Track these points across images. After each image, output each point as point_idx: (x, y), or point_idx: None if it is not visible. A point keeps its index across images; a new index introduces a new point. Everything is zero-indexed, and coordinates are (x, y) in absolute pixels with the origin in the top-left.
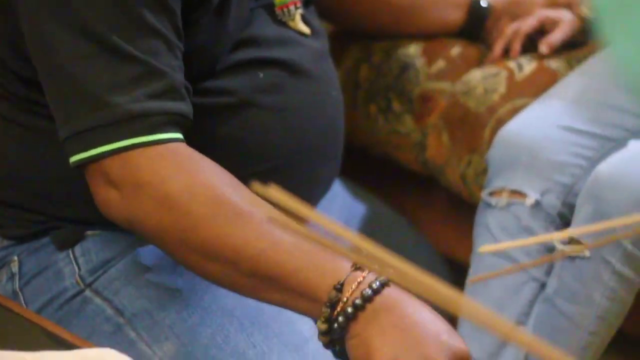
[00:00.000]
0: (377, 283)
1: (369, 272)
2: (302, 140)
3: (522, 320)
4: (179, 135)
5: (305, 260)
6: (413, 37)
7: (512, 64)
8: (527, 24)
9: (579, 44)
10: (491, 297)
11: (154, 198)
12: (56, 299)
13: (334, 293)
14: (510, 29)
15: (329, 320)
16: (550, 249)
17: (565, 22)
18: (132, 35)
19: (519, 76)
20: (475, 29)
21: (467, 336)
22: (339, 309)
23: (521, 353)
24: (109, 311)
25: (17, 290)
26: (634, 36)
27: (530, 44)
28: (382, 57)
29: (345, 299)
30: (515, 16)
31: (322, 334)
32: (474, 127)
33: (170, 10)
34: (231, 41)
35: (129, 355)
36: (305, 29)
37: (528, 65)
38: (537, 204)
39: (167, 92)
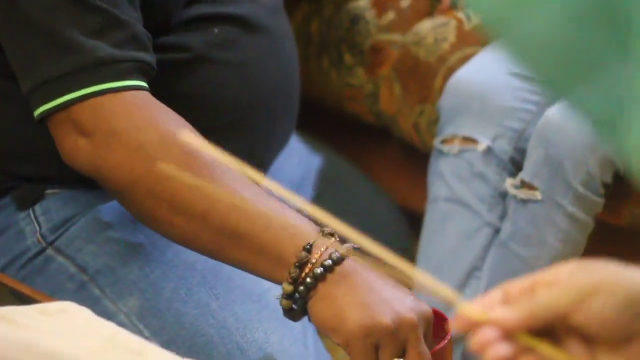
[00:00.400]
0: (345, 248)
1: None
2: (258, 94)
3: (477, 265)
4: (146, 85)
5: (275, 220)
6: None
7: (461, 14)
8: None
9: None
10: (446, 243)
11: (128, 146)
12: (18, 258)
13: (303, 254)
14: None
15: (296, 282)
16: (503, 194)
17: None
18: None
19: (468, 25)
20: None
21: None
22: (307, 270)
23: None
24: (72, 269)
25: None
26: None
27: None
28: (333, 10)
29: (314, 261)
30: None
31: (286, 296)
32: (425, 77)
33: None
34: None
35: (94, 312)
36: None
37: (477, 15)
38: (488, 150)
39: (131, 41)
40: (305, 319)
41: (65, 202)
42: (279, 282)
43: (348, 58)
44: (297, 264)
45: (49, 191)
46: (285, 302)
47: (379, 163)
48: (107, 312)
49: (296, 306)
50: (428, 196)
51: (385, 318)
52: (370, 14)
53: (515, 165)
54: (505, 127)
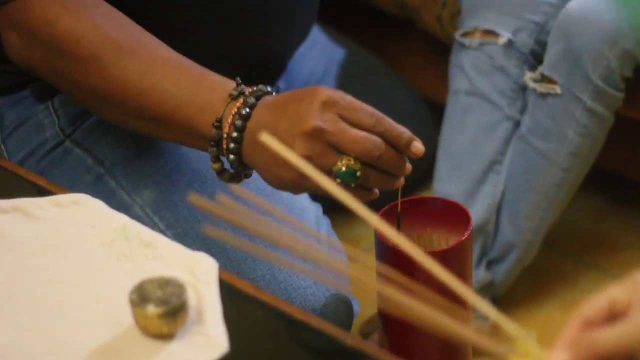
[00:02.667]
0: (247, 109)
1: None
2: None
3: (497, 159)
4: None
5: (183, 98)
6: None
7: None
8: None
9: None
10: (468, 137)
11: (44, 42)
12: (37, 150)
13: (214, 131)
14: None
15: (220, 159)
16: (523, 87)
17: None
18: None
19: None
20: None
21: (444, 177)
22: (224, 145)
23: (498, 191)
24: (90, 161)
25: (0, 142)
26: None
27: None
28: None
29: (225, 135)
30: None
31: (218, 173)
32: None
33: None
34: None
35: (110, 204)
36: None
37: None
38: (509, 43)
39: None
40: None
41: None
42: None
43: None
44: (212, 143)
45: None
46: (221, 177)
47: (402, 55)
48: (123, 204)
49: (233, 169)
50: (449, 89)
51: (298, 149)
52: None
53: (536, 59)
54: (526, 20)
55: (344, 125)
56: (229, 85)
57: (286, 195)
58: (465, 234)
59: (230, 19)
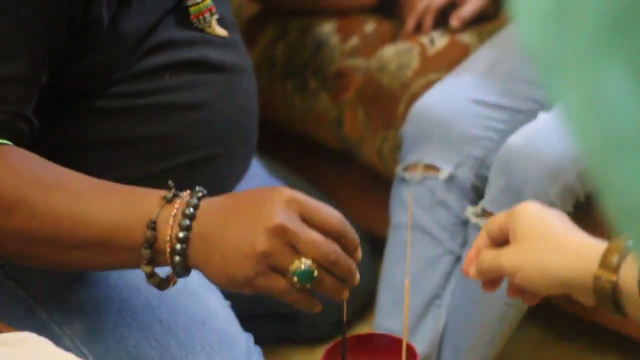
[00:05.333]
0: (191, 209)
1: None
2: (213, 133)
3: (438, 293)
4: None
5: (117, 213)
6: (328, 14)
7: (424, 39)
8: None
9: (490, 17)
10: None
11: None
12: None
13: (149, 232)
14: (422, 4)
15: (152, 261)
16: (464, 222)
17: None
18: None
19: (432, 51)
20: (389, 5)
21: (386, 311)
22: (168, 247)
23: (440, 325)
24: (21, 293)
25: None
26: (537, 11)
27: (442, 19)
28: (298, 35)
29: (169, 237)
30: None
31: (148, 276)
32: (388, 103)
33: (37, 35)
34: (133, 52)
35: (41, 336)
36: (222, 32)
37: (440, 40)
38: (450, 178)
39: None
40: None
41: None
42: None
43: (312, 83)
44: (146, 246)
45: None
46: (151, 280)
47: (343, 188)
48: (53, 336)
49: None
50: (390, 222)
51: (257, 246)
52: (334, 39)
53: (476, 193)
54: (467, 154)
55: (306, 229)
56: (161, 192)
57: (216, 324)
58: None
59: (171, 170)
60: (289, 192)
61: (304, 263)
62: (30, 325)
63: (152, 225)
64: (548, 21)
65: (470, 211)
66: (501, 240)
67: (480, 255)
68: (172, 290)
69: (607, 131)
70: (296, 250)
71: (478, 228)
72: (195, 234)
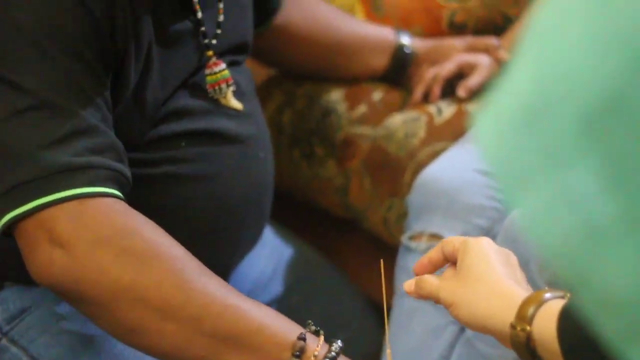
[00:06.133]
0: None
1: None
2: (225, 206)
3: (446, 358)
4: (121, 194)
5: (268, 317)
6: (336, 81)
7: (431, 109)
8: (446, 68)
9: None
10: (413, 339)
11: (115, 253)
12: None
13: (299, 344)
14: (429, 73)
15: None
16: None
17: (483, 66)
18: (71, 97)
19: (439, 120)
20: (398, 75)
21: None
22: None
23: None
24: (25, 359)
25: None
26: (503, 118)
27: (449, 89)
28: (305, 102)
29: (316, 353)
30: (435, 61)
31: None
32: (394, 172)
33: (103, 84)
34: (150, 121)
35: None
36: (237, 105)
37: (447, 110)
38: None
39: (108, 150)
40: None
41: (23, 292)
42: None
43: (319, 150)
44: (295, 354)
45: (7, 282)
46: None
47: (349, 256)
48: None
49: None
50: (395, 291)
51: None
52: (342, 107)
53: None
54: (473, 224)
55: None
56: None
57: None
58: None
59: (183, 240)
60: None
61: None
62: None
63: (303, 337)
64: (515, 131)
65: None
66: (452, 261)
67: (423, 279)
68: None
69: (583, 227)
70: None
71: None
72: None
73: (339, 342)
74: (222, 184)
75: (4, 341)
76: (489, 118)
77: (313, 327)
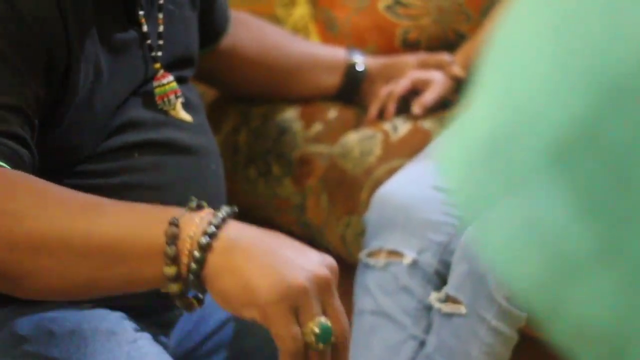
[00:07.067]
0: (220, 217)
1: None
2: None
3: None
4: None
5: (136, 216)
6: (291, 101)
7: (387, 126)
8: (400, 85)
9: (451, 103)
10: (372, 356)
11: None
12: None
13: (172, 228)
14: (384, 91)
15: (176, 261)
16: (428, 307)
17: (436, 82)
18: None
19: (394, 137)
20: (351, 93)
21: None
22: (188, 245)
23: None
24: None
25: None
26: (466, 147)
27: (404, 105)
28: (261, 121)
29: (191, 233)
30: (389, 78)
31: (172, 279)
32: (351, 189)
33: (25, 84)
34: (101, 130)
35: None
36: (186, 117)
37: (403, 126)
38: (414, 263)
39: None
40: None
41: None
42: (165, 277)
43: (276, 169)
44: (169, 242)
45: None
46: (173, 286)
47: None
48: None
49: (191, 291)
50: (354, 309)
51: (298, 278)
52: (297, 125)
53: (440, 278)
54: (430, 240)
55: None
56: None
57: None
58: None
59: None
60: (334, 262)
61: (328, 322)
62: None
63: (175, 222)
64: (479, 162)
65: (434, 297)
66: None
67: None
68: None
69: (555, 257)
70: (324, 311)
71: (442, 313)
72: (224, 235)
73: (228, 208)
74: (175, 193)
75: None
76: (454, 146)
77: (194, 204)
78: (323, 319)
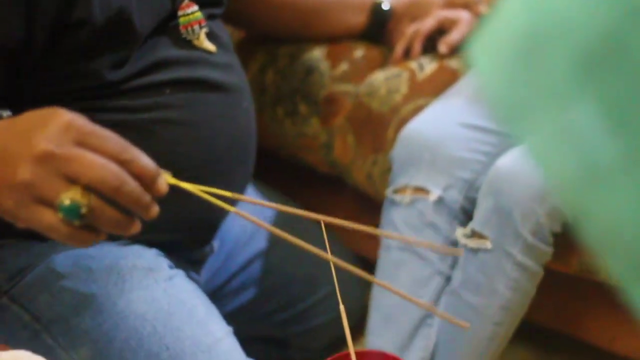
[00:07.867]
0: None
1: None
2: (212, 151)
3: (429, 313)
4: None
5: None
6: (317, 40)
7: (413, 65)
8: (426, 24)
9: None
10: (400, 287)
11: None
12: None
13: None
14: (410, 30)
15: None
16: (454, 242)
17: (463, 21)
18: None
19: (420, 76)
20: (377, 32)
21: (376, 331)
22: None
23: (430, 344)
24: (26, 318)
25: None
26: (501, 54)
27: (430, 45)
28: (287, 61)
29: None
30: (415, 17)
31: None
32: (378, 127)
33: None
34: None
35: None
36: (210, 46)
37: (429, 66)
38: (440, 200)
39: None
40: None
41: (21, 251)
42: None
43: (303, 108)
44: None
45: (4, 241)
46: None
47: (334, 212)
48: None
49: None
50: (381, 244)
51: (21, 174)
52: (324, 65)
53: (466, 215)
54: (456, 177)
55: (81, 152)
56: None
57: (222, 350)
58: None
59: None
60: (67, 116)
61: (69, 197)
62: (35, 350)
63: None
64: (513, 64)
65: (459, 233)
66: None
67: None
68: (177, 318)
69: (585, 164)
70: (69, 180)
71: (468, 249)
72: None
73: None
74: (207, 129)
75: (5, 299)
76: (486, 48)
77: None
78: (60, 198)
